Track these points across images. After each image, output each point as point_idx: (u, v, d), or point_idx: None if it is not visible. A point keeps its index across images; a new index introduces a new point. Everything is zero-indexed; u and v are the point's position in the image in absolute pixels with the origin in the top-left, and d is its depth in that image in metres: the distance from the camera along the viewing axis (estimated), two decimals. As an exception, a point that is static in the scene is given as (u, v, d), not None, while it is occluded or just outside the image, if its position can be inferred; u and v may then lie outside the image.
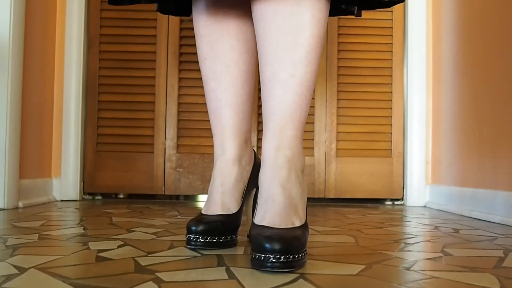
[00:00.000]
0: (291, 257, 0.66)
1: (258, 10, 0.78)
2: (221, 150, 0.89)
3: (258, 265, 0.67)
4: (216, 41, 0.89)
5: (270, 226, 0.70)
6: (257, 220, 0.73)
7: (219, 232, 0.83)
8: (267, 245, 0.65)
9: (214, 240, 0.83)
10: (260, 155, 1.95)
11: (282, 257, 0.65)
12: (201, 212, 0.87)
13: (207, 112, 0.94)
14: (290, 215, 0.72)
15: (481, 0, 1.55)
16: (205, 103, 1.91)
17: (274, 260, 0.65)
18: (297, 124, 0.77)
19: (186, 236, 0.84)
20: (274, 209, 0.72)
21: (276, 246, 0.65)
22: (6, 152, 1.48)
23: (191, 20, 0.97)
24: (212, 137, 0.93)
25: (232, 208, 0.86)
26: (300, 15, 0.75)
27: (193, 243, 0.83)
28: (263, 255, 0.66)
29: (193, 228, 0.83)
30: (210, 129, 1.99)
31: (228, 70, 0.89)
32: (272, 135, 0.77)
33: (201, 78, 0.94)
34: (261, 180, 0.77)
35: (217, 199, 0.86)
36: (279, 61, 0.76)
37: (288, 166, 0.75)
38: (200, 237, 0.82)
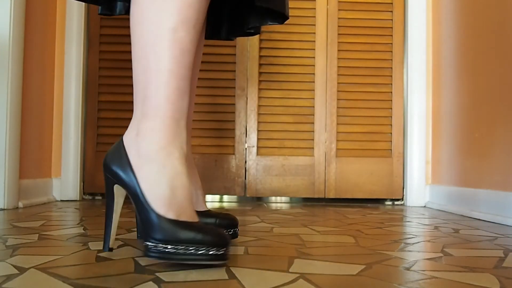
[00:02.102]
0: None
1: None
2: None
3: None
4: None
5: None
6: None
7: None
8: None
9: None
10: (260, 155, 1.94)
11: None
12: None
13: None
14: None
15: (481, 1, 1.55)
16: (205, 103, 1.92)
17: None
18: None
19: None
20: None
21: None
22: (6, 152, 1.48)
23: None
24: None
25: None
26: None
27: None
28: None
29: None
30: (210, 129, 2.01)
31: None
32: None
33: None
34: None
35: None
36: None
37: None
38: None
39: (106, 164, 0.74)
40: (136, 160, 0.71)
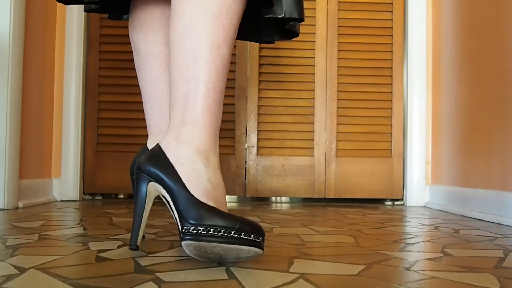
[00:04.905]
0: None
1: None
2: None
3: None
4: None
5: None
6: None
7: None
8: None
9: None
10: (260, 155, 1.94)
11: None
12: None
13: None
14: None
15: (480, 1, 1.55)
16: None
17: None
18: None
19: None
20: None
21: None
22: (6, 152, 1.48)
23: None
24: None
25: None
26: None
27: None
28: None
29: None
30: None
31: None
32: None
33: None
34: None
35: None
36: None
37: None
38: None
39: (141, 166, 0.75)
40: (175, 160, 0.73)
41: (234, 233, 0.67)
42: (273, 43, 1.05)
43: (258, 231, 0.69)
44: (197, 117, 0.74)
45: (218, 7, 0.73)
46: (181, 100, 0.75)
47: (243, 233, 0.68)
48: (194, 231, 0.68)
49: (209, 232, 0.67)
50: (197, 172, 0.72)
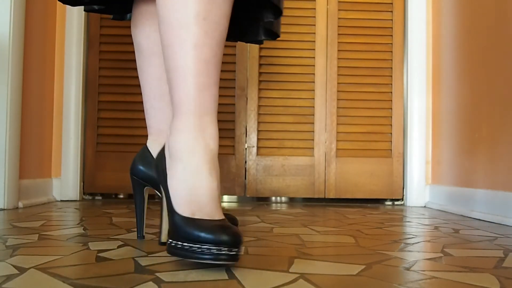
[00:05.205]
0: None
1: None
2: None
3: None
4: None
5: None
6: None
7: None
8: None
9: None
10: (260, 155, 1.94)
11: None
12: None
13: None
14: None
15: (480, 1, 1.55)
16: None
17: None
18: None
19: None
20: None
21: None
22: (6, 152, 1.48)
23: None
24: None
25: None
26: None
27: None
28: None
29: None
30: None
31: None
32: None
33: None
34: None
35: None
36: None
37: None
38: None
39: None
40: (168, 159, 0.73)
41: (198, 248, 0.64)
42: (262, 43, 1.06)
43: (226, 241, 0.63)
44: (180, 106, 0.71)
45: None
46: (170, 91, 0.74)
47: (205, 246, 0.64)
48: (170, 243, 0.69)
49: (176, 245, 0.67)
50: (181, 174, 0.70)
